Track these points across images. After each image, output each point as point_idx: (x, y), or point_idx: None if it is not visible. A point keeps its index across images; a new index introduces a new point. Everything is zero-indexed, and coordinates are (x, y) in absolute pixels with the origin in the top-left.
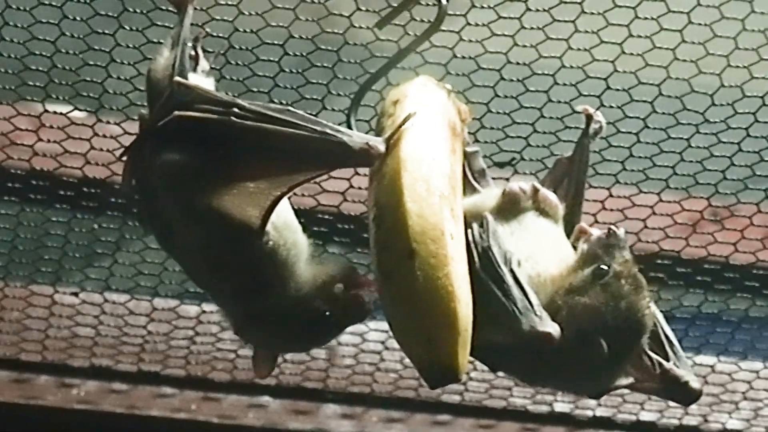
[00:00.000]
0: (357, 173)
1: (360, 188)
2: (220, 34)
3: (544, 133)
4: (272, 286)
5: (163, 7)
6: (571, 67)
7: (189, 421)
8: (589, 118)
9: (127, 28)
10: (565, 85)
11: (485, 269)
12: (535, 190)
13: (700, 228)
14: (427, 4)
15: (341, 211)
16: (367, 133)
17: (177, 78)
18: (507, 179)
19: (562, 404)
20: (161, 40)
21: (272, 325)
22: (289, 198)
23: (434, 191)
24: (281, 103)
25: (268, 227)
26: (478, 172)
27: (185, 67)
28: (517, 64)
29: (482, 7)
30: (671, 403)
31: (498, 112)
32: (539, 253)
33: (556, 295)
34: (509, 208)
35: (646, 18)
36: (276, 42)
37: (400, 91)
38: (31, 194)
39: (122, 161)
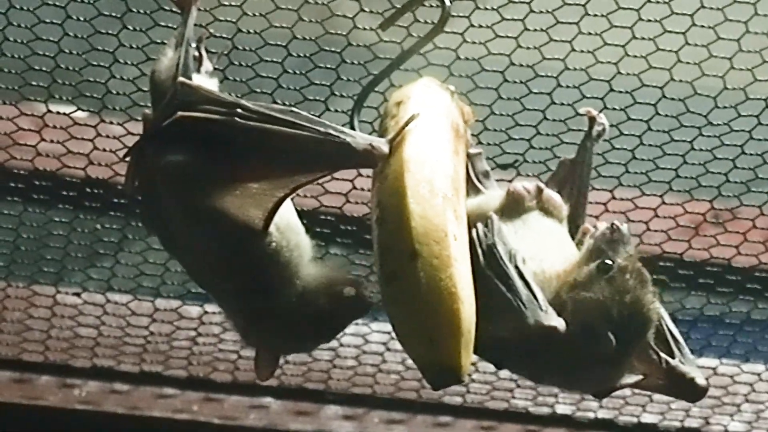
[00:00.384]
0: (360, 174)
1: (363, 189)
2: (224, 35)
3: (547, 135)
4: (274, 287)
5: (167, 8)
6: (575, 69)
7: (190, 422)
8: (592, 120)
9: (131, 28)
10: (568, 87)
11: (490, 266)
12: (540, 190)
13: (702, 230)
14: (431, 6)
15: (344, 213)
16: (370, 134)
17: (180, 78)
18: (510, 181)
19: (564, 406)
20: (164, 41)
21: (274, 325)
22: (292, 199)
23: (437, 192)
24: (284, 104)
25: (271, 228)
26: (481, 174)
27: (189, 68)
28: (521, 66)
29: (485, 9)
30: (673, 406)
31: (501, 114)
32: (544, 251)
33: (561, 290)
34: (514, 207)
35: (649, 20)
36: (279, 43)
37: (403, 92)
38: (33, 194)
39: (125, 162)
